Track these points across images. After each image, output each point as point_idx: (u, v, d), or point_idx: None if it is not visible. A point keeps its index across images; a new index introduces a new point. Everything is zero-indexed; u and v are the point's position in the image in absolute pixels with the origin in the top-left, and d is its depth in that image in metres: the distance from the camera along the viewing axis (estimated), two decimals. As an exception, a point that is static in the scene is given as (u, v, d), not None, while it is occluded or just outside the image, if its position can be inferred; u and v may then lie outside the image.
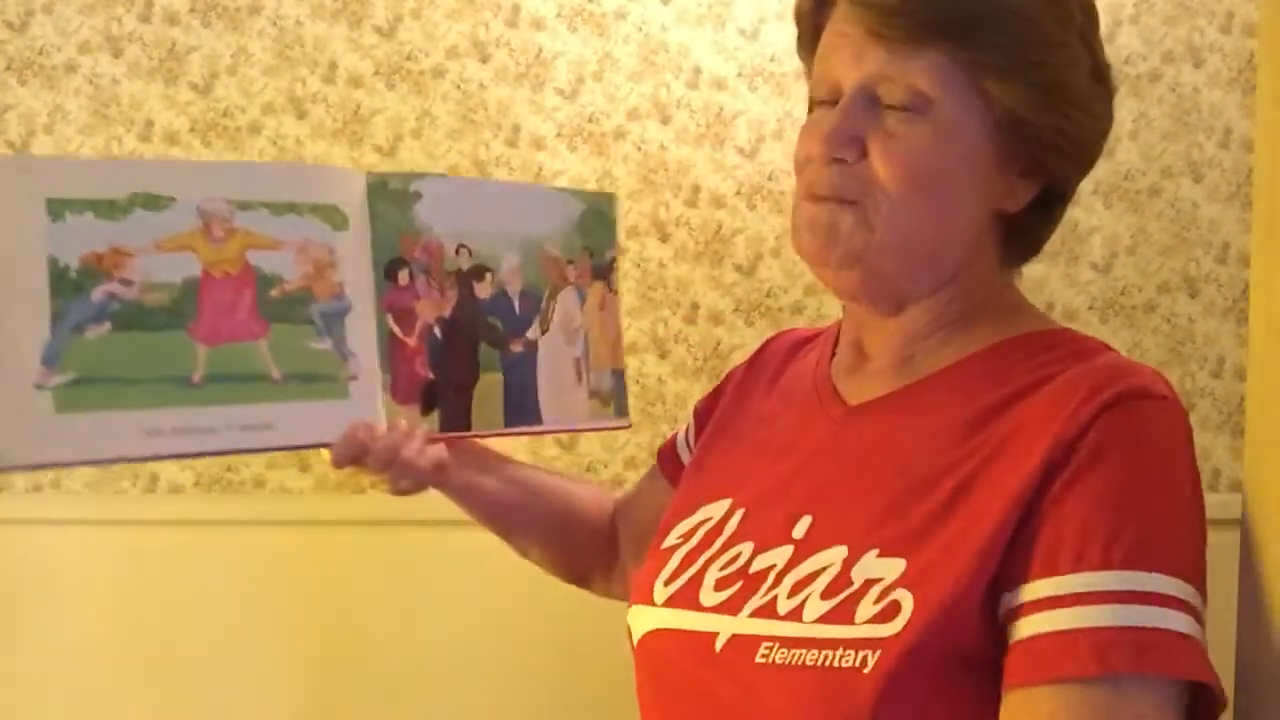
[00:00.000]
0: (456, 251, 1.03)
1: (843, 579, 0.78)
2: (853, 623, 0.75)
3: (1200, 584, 0.73)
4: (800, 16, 0.90)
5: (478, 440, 1.11)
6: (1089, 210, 2.14)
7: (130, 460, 0.90)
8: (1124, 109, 2.10)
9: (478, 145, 2.15)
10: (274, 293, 0.95)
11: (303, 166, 1.53)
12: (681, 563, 0.91)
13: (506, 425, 1.06)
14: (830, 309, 2.13)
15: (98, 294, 0.88)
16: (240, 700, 2.15)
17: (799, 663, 0.76)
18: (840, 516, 0.83)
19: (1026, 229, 0.88)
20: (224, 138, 2.15)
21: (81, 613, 2.15)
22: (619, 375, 1.15)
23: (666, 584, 0.90)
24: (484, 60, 2.16)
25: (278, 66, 2.16)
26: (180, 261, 0.92)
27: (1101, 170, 2.12)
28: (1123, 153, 2.13)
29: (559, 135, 2.16)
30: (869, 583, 0.77)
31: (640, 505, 1.16)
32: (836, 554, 0.80)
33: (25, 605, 2.16)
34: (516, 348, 1.06)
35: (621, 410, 1.15)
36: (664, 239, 2.17)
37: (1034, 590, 0.72)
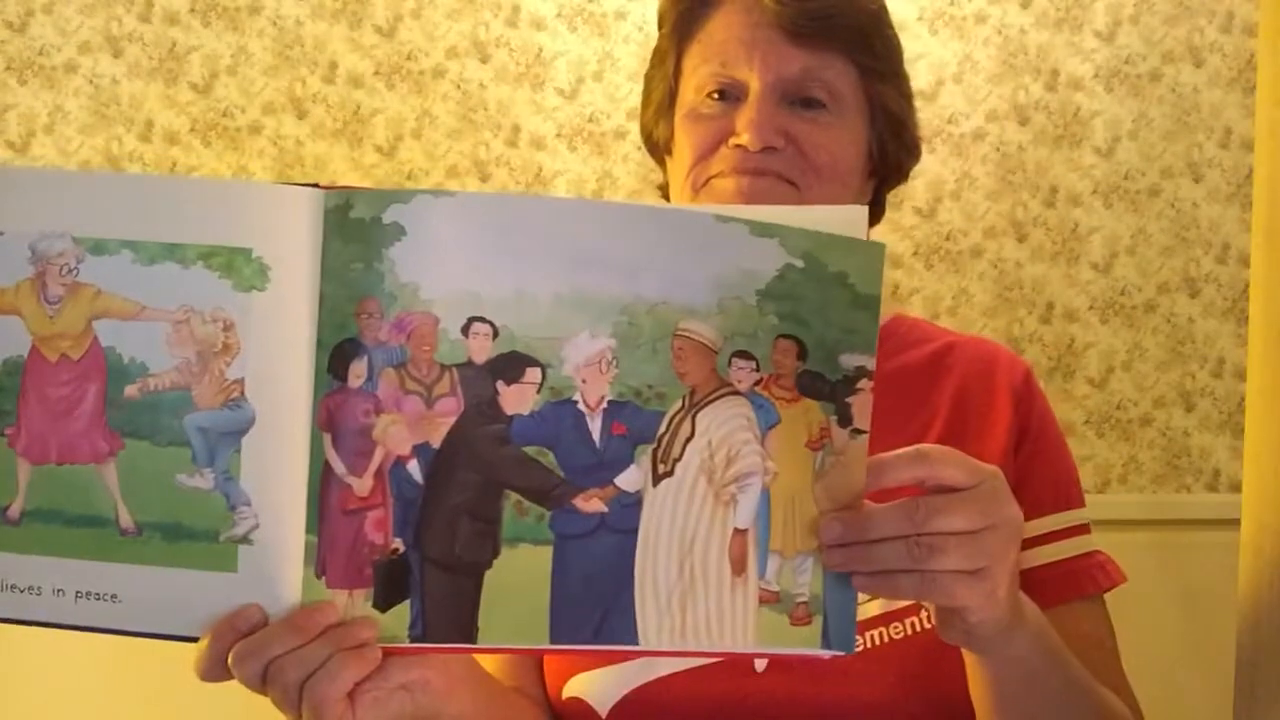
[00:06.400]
0: (465, 330, 0.63)
1: None
2: None
3: None
4: (680, 14, 0.95)
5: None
6: (1089, 210, 2.14)
7: None
8: (1124, 109, 2.10)
9: (478, 145, 2.16)
10: (130, 390, 0.64)
11: (199, 180, 0.77)
12: None
13: (554, 640, 0.65)
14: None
15: None
16: (237, 700, 2.15)
17: (889, 638, 0.84)
18: None
19: None
20: (224, 138, 2.15)
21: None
22: (841, 577, 0.67)
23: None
24: (484, 60, 2.16)
25: (278, 66, 2.16)
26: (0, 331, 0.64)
27: (1101, 170, 2.12)
28: (1123, 153, 2.13)
29: (559, 135, 2.16)
30: None
31: None
32: None
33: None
34: (587, 505, 0.65)
35: (842, 639, 0.66)
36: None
37: (1039, 526, 0.90)
